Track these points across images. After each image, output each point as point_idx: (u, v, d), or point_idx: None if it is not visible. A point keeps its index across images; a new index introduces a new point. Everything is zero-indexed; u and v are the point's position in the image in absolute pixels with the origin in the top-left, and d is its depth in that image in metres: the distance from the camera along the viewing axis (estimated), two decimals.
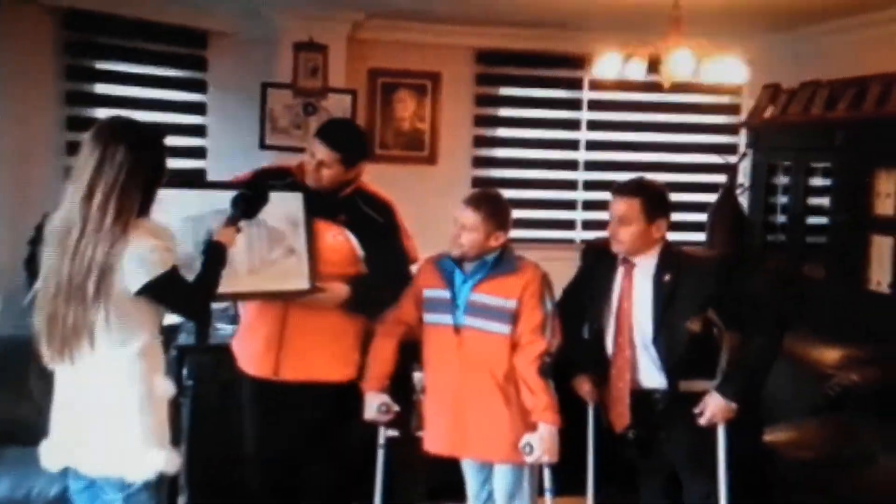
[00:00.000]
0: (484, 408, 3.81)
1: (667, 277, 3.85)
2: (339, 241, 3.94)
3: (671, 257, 3.91)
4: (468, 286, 3.84)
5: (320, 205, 3.94)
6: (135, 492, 3.08)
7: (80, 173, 3.03)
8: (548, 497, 3.86)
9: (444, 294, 3.87)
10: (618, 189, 3.95)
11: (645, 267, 3.90)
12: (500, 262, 3.84)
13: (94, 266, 2.97)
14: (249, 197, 3.59)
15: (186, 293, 3.19)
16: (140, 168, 3.05)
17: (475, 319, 3.81)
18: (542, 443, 3.73)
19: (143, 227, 3.06)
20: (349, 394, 3.95)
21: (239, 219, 3.52)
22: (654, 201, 3.89)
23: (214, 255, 3.35)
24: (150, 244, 3.03)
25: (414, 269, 4.11)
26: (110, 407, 3.07)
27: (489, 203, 3.87)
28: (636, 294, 3.90)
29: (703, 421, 3.81)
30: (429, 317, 3.92)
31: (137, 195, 3.04)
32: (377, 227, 3.99)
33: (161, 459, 3.11)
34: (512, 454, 3.81)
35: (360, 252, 3.96)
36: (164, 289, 3.08)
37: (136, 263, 3.00)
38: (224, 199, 3.63)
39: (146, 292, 3.05)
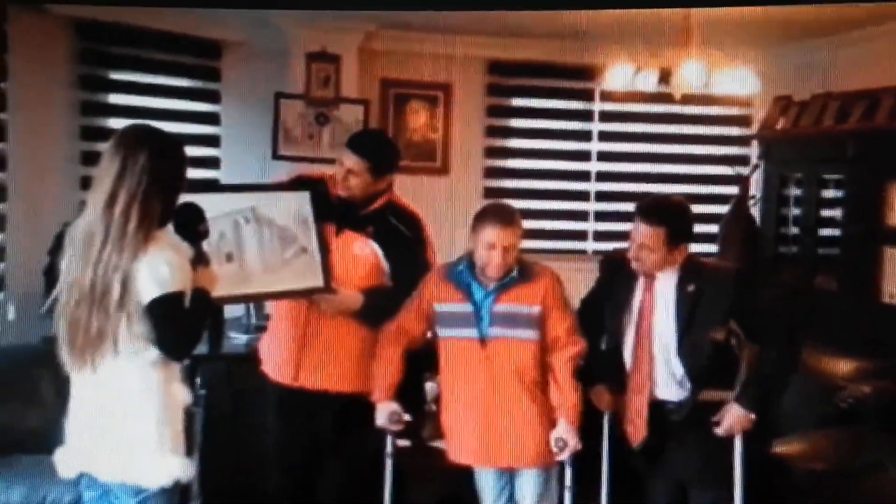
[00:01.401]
0: (514, 415, 3.81)
1: (690, 288, 3.82)
2: (366, 253, 3.94)
3: (693, 268, 3.88)
4: (491, 298, 3.81)
5: (349, 215, 3.95)
6: (148, 497, 3.09)
7: (102, 181, 3.03)
8: (567, 496, 3.87)
9: (465, 308, 3.83)
10: (642, 212, 3.86)
11: (667, 279, 3.87)
12: (522, 273, 3.82)
13: (118, 273, 2.96)
14: (190, 225, 3.27)
15: (179, 323, 3.07)
16: (161, 176, 3.04)
17: (503, 329, 3.79)
18: (569, 434, 3.75)
19: (163, 239, 3.05)
20: (366, 405, 3.94)
21: (199, 251, 3.25)
22: (679, 229, 3.83)
23: (197, 303, 3.13)
24: (165, 258, 3.01)
25: None
26: (127, 413, 3.07)
27: (514, 215, 3.84)
28: (658, 306, 3.87)
29: (720, 431, 3.80)
30: (447, 331, 3.88)
31: (158, 203, 3.04)
32: (404, 240, 3.99)
33: (177, 466, 3.11)
34: (543, 457, 3.83)
35: (385, 265, 3.97)
36: (163, 310, 3.01)
37: (151, 276, 2.99)
38: (235, 201, 3.66)
39: (150, 308, 3.01)
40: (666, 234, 3.79)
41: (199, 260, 3.21)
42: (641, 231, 3.82)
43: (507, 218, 3.80)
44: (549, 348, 3.82)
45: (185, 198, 3.24)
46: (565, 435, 3.76)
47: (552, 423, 3.82)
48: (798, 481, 4.51)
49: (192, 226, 3.24)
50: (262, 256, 3.73)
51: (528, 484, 3.93)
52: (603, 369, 4.02)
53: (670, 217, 3.84)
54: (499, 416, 3.82)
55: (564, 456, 3.79)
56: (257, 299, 4.10)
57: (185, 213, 3.23)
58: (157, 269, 2.99)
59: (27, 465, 4.28)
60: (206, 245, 3.29)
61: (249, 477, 4.47)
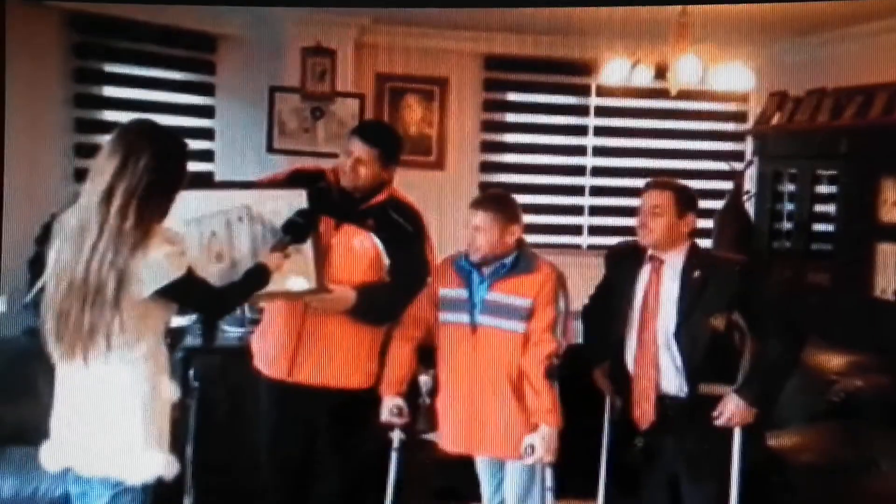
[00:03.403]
0: (498, 406, 3.84)
1: (696, 274, 3.89)
2: (366, 247, 3.93)
3: (700, 257, 3.98)
4: (485, 286, 3.87)
5: (349, 209, 3.94)
6: (126, 490, 3.08)
7: (100, 174, 3.02)
8: (549, 497, 3.87)
9: (462, 293, 3.90)
10: (651, 183, 4.06)
11: (673, 264, 3.93)
12: (518, 263, 3.87)
13: (114, 270, 2.96)
14: (301, 224, 3.70)
15: (203, 293, 3.25)
16: (162, 175, 3.05)
17: (492, 318, 3.84)
18: (543, 443, 3.75)
19: (160, 235, 3.05)
20: (362, 402, 3.97)
21: (289, 244, 3.65)
22: (686, 196, 4.00)
23: (255, 274, 3.49)
24: (165, 251, 3.03)
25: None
26: (113, 408, 3.07)
27: (495, 201, 3.93)
28: (663, 290, 3.92)
29: (720, 421, 3.82)
30: (444, 316, 3.94)
31: (157, 202, 3.05)
32: (405, 234, 3.98)
33: (160, 463, 3.11)
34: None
35: (385, 259, 3.96)
36: (181, 291, 3.10)
37: (153, 270, 3.00)
38: (230, 199, 3.66)
39: (163, 295, 3.06)
40: (674, 198, 3.95)
41: (283, 248, 3.63)
42: (651, 196, 3.98)
43: (482, 200, 3.97)
44: (525, 343, 3.84)
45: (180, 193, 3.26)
46: (536, 441, 3.77)
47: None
48: (790, 475, 4.52)
49: (306, 232, 3.73)
50: (254, 256, 3.72)
51: (510, 477, 3.96)
52: (604, 354, 4.09)
53: (676, 185, 4.05)
54: (483, 404, 3.86)
55: (530, 461, 3.80)
56: (250, 301, 4.07)
57: (306, 216, 3.72)
58: (159, 264, 3.01)
59: (18, 458, 4.28)
60: (196, 243, 3.43)
61: (243, 471, 4.47)
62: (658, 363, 3.90)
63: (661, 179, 4.12)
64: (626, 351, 3.97)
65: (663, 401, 3.90)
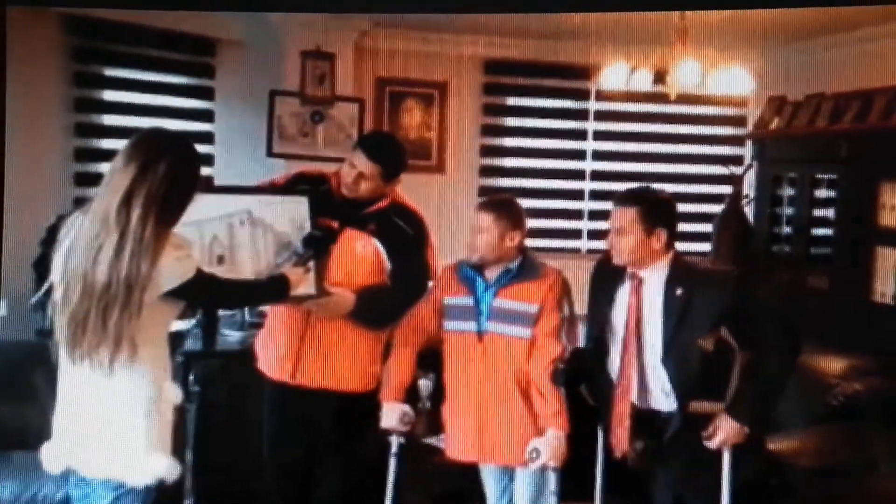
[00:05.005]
0: (507, 412, 3.82)
1: (679, 292, 3.71)
2: (368, 252, 3.93)
3: (682, 271, 3.78)
4: (491, 292, 3.85)
5: (351, 214, 3.94)
6: (128, 493, 3.08)
7: (118, 180, 3.02)
8: (553, 500, 3.86)
9: (467, 301, 3.88)
10: (616, 199, 3.84)
11: (654, 281, 3.77)
12: (523, 269, 3.85)
13: (136, 277, 2.96)
14: (319, 238, 3.75)
15: (216, 289, 3.32)
16: (180, 182, 3.08)
17: (499, 325, 3.82)
18: (549, 448, 3.74)
19: (173, 241, 3.07)
20: (364, 405, 3.96)
21: (309, 259, 3.70)
22: (653, 210, 3.74)
23: (277, 284, 3.59)
24: (175, 255, 3.05)
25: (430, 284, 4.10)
26: (116, 410, 3.07)
27: (498, 204, 3.90)
28: (646, 310, 3.77)
29: (712, 444, 3.69)
30: (450, 324, 3.92)
31: (176, 208, 3.08)
32: (406, 238, 3.98)
33: (162, 466, 3.11)
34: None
35: (387, 263, 3.96)
36: (194, 291, 3.14)
37: (166, 274, 3.02)
38: (232, 203, 3.67)
39: (175, 296, 3.09)
40: (638, 215, 3.71)
41: (304, 262, 3.70)
42: (615, 214, 3.79)
43: (486, 203, 3.94)
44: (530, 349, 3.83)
45: None
46: (541, 446, 3.74)
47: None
48: (790, 479, 4.52)
49: (325, 247, 3.79)
50: (255, 260, 3.73)
51: (521, 484, 3.93)
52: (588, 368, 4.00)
53: (641, 199, 3.79)
54: (492, 411, 3.83)
55: (534, 467, 3.77)
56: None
57: (325, 231, 3.78)
58: (169, 269, 3.03)
59: (18, 462, 4.28)
60: (197, 246, 3.44)
61: (244, 474, 4.47)
62: (647, 385, 3.78)
63: (625, 193, 3.84)
64: (611, 368, 3.87)
65: (653, 418, 3.78)
